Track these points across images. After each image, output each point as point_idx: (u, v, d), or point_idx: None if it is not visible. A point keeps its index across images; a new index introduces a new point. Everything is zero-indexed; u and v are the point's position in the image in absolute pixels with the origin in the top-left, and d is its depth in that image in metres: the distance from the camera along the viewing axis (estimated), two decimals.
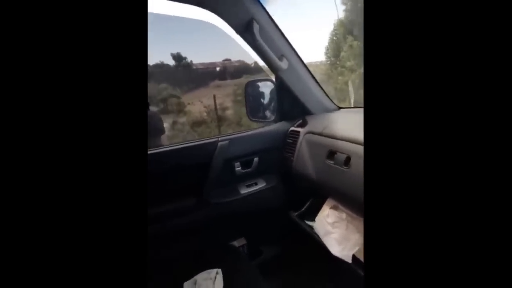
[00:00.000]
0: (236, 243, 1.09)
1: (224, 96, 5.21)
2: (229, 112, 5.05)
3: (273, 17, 0.86)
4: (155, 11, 0.76)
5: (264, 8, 0.83)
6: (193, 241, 1.02)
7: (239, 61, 5.67)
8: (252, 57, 0.88)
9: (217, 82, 5.50)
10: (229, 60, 5.71)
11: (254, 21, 0.81)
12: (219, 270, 0.80)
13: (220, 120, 4.82)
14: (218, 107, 4.86)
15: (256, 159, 1.06)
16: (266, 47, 0.85)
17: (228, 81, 5.54)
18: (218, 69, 5.76)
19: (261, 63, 0.94)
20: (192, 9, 0.78)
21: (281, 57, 0.91)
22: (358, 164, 0.73)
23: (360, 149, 0.73)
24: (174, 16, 0.82)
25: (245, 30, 0.83)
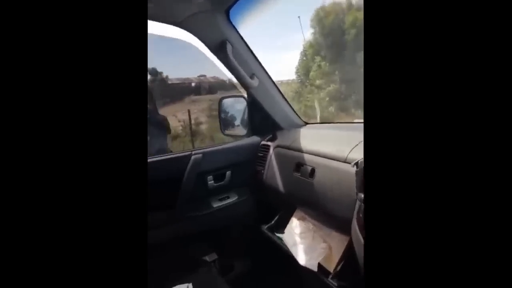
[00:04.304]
0: (207, 258, 1.08)
1: (199, 111, 5.20)
2: (203, 127, 5.03)
3: (245, 38, 0.93)
4: None
5: (237, 31, 0.89)
6: (164, 255, 0.99)
7: (214, 77, 5.73)
8: (226, 75, 0.93)
9: (192, 97, 5.49)
10: (204, 76, 5.76)
11: (227, 42, 0.86)
12: (190, 285, 0.79)
13: (194, 134, 4.77)
14: (192, 121, 4.82)
15: (228, 172, 1.08)
16: (238, 66, 0.90)
17: (203, 96, 5.55)
18: (193, 84, 5.76)
19: (235, 80, 0.99)
20: (169, 28, 0.82)
21: (252, 75, 0.97)
22: (321, 175, 0.79)
23: (323, 161, 0.80)
24: (151, 33, 0.84)
25: (219, 49, 0.88)
